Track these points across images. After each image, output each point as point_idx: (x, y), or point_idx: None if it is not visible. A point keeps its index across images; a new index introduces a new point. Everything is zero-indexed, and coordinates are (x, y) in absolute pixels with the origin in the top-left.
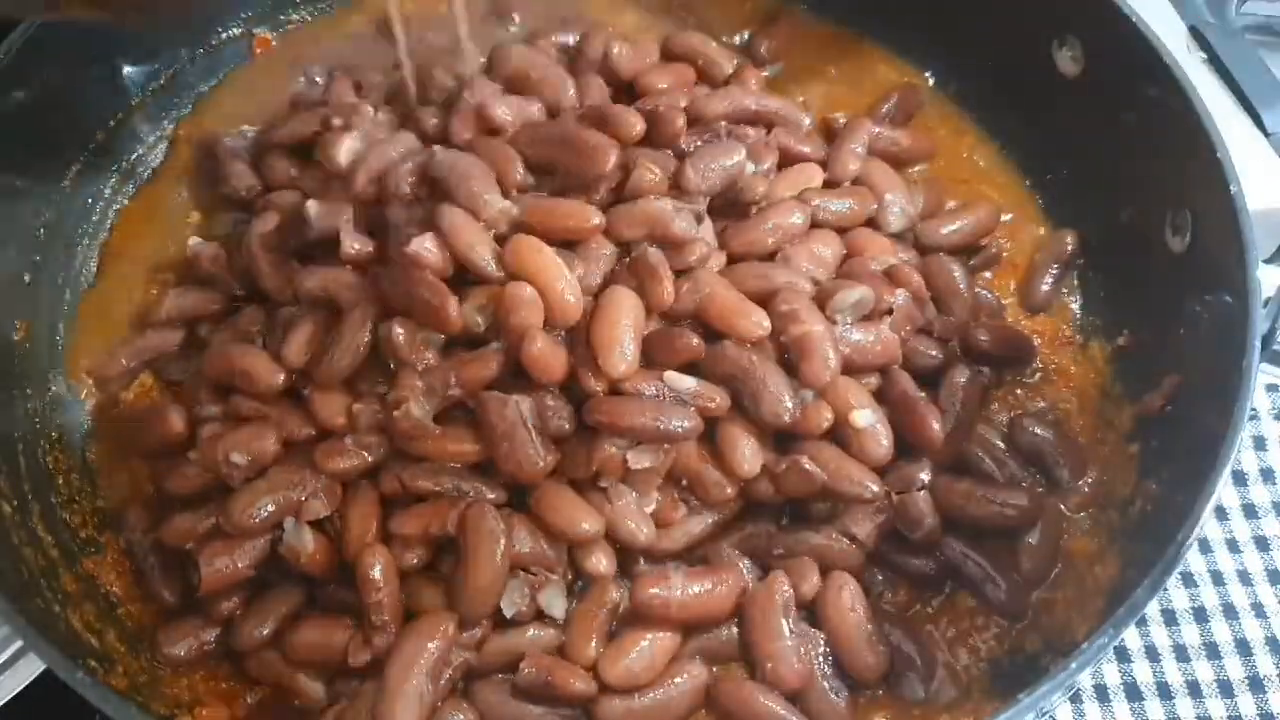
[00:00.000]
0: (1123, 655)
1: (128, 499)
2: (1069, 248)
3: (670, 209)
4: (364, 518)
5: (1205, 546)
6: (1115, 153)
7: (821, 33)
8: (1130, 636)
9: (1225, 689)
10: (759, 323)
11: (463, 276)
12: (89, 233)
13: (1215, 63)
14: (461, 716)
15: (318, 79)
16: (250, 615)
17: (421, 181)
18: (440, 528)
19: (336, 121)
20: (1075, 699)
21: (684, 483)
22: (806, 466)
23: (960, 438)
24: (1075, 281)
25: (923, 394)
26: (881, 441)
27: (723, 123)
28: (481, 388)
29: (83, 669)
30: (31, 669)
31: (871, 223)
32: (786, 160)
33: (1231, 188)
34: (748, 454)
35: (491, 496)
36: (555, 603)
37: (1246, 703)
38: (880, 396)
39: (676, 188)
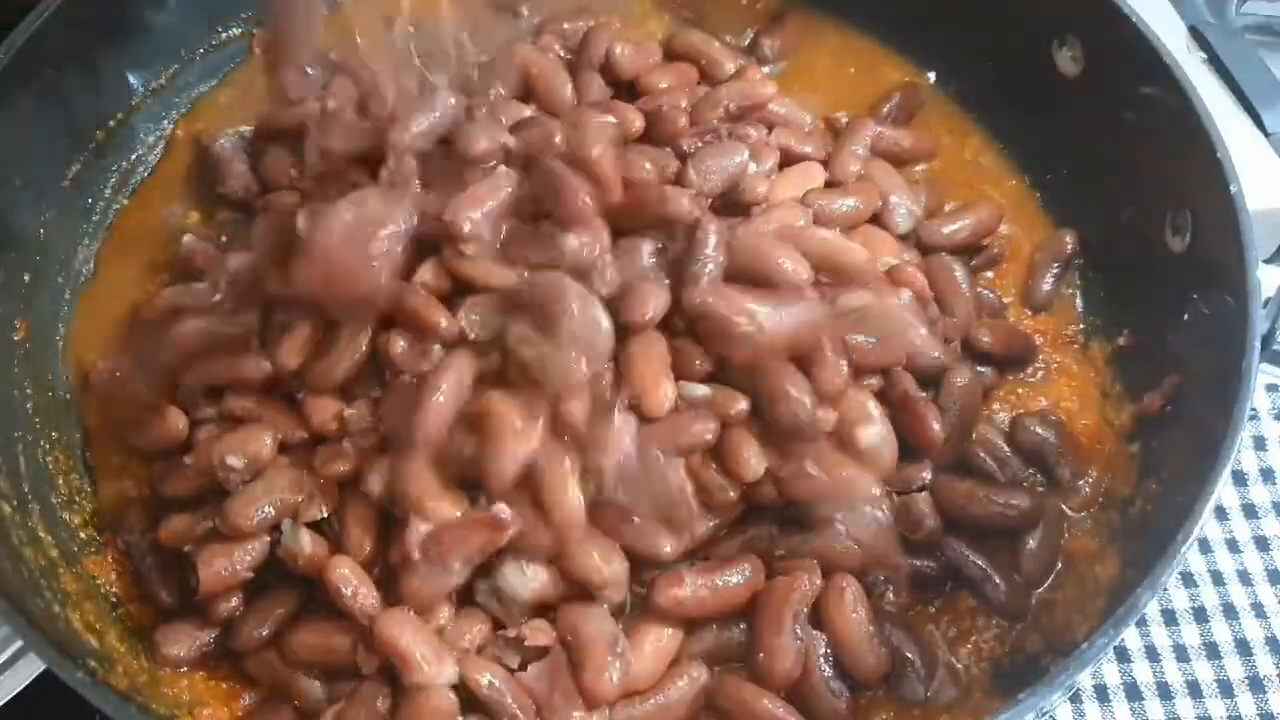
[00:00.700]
0: (1123, 655)
1: (126, 500)
2: (1069, 247)
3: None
4: (362, 519)
5: (1205, 546)
6: (1115, 153)
7: (823, 32)
8: (1130, 636)
9: (1225, 689)
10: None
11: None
12: (89, 233)
13: (1215, 63)
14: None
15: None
16: (249, 616)
17: None
18: None
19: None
20: (1075, 699)
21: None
22: (810, 471)
23: (961, 438)
24: (1077, 281)
25: (924, 395)
26: (884, 456)
27: (724, 123)
28: None
29: (83, 669)
30: (31, 669)
31: (876, 221)
32: (788, 160)
33: (1231, 188)
34: (752, 457)
35: None
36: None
37: (1246, 703)
38: (882, 397)
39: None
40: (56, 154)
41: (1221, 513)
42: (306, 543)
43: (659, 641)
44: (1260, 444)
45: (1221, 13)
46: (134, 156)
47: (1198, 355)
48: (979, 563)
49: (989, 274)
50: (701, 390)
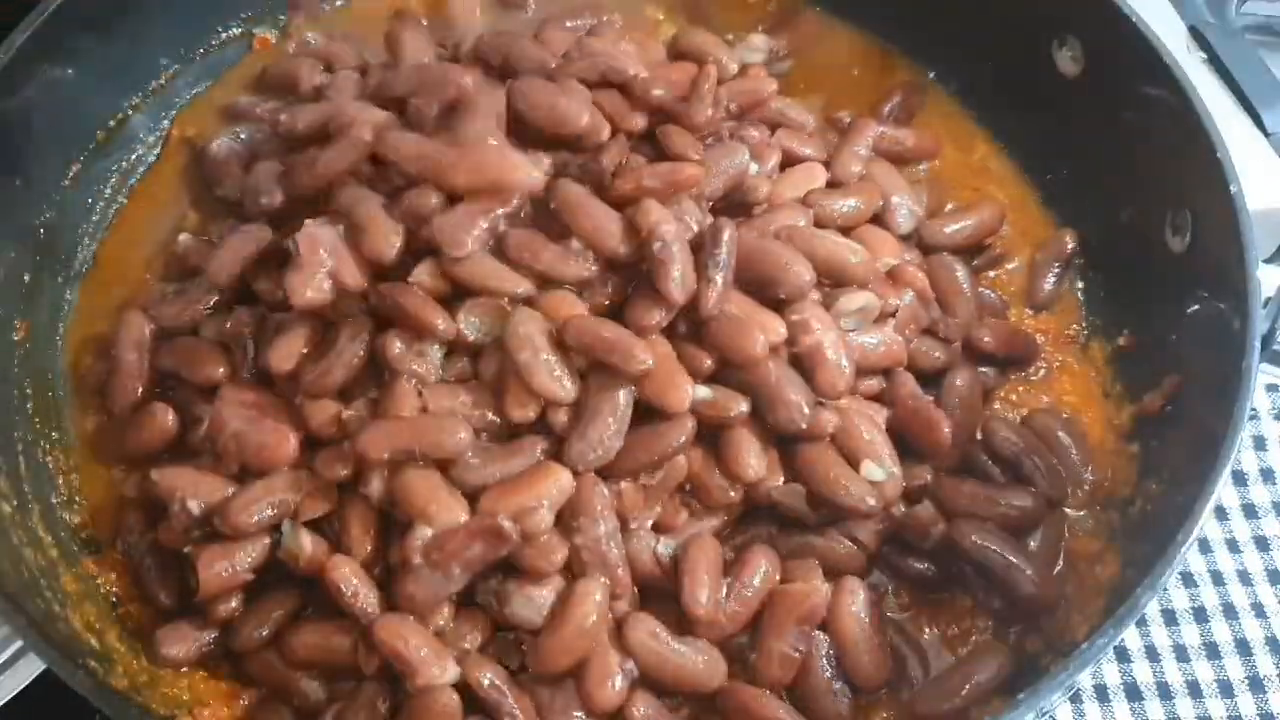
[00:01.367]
0: (1123, 655)
1: (124, 501)
2: (1069, 247)
3: None
4: (363, 519)
5: (1205, 546)
6: (1115, 153)
7: (826, 31)
8: (1130, 636)
9: (1225, 689)
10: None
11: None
12: (89, 233)
13: (1215, 63)
14: (490, 674)
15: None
16: (249, 617)
17: None
18: None
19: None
20: (1075, 699)
21: (687, 487)
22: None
23: (963, 439)
24: (1078, 281)
25: (928, 396)
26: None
27: (726, 124)
28: None
29: (83, 669)
30: (31, 669)
31: (877, 221)
32: (790, 161)
33: (1231, 188)
34: (752, 458)
35: None
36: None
37: (1246, 703)
38: (885, 398)
39: None
40: (56, 153)
41: (1221, 513)
42: (307, 544)
43: None
44: (1260, 444)
45: (1221, 13)
46: (134, 156)
47: (1198, 355)
48: (1002, 553)
49: (991, 274)
50: (704, 391)
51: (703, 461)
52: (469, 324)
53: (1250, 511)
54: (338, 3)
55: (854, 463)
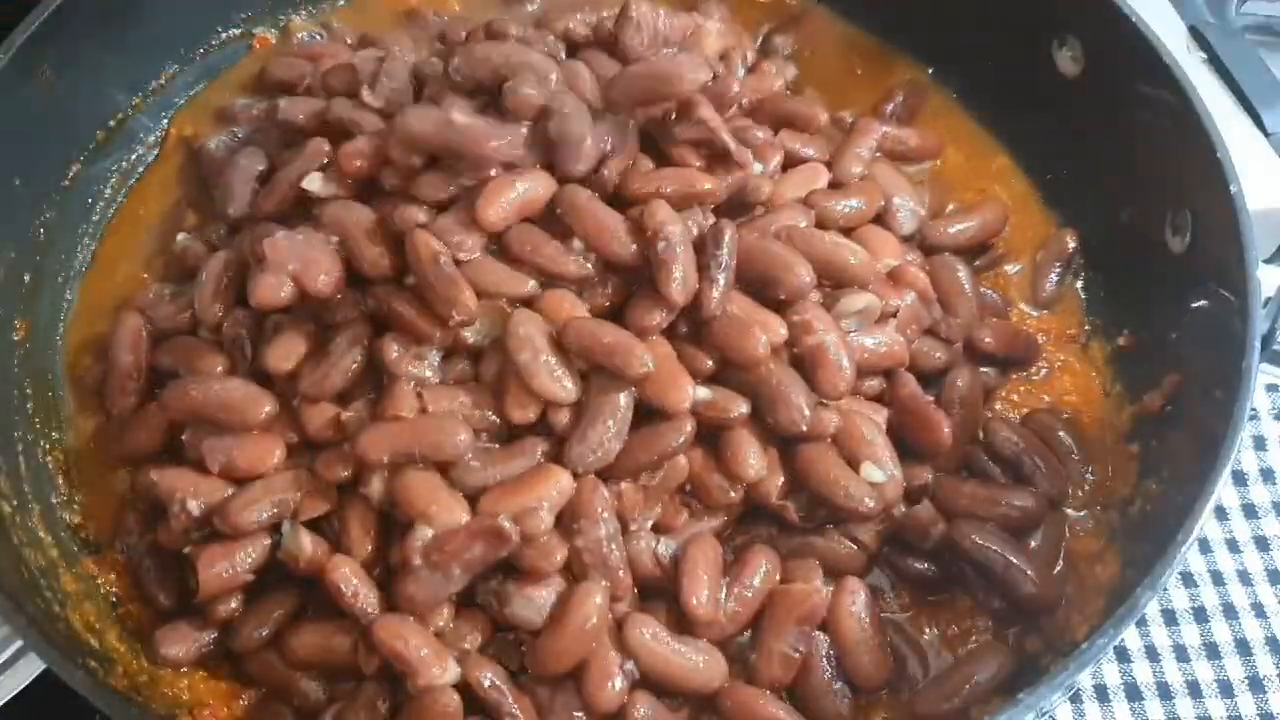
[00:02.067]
0: (1123, 655)
1: (124, 501)
2: (1070, 247)
3: None
4: (363, 520)
5: (1205, 546)
6: (1115, 153)
7: (832, 31)
8: (1130, 636)
9: (1225, 689)
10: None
11: None
12: (89, 233)
13: (1215, 63)
14: (490, 674)
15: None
16: (248, 618)
17: None
18: None
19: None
20: (1075, 699)
21: (687, 487)
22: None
23: (963, 439)
24: (1079, 281)
25: (929, 396)
26: (889, 493)
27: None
28: None
29: (83, 669)
30: (31, 669)
31: (879, 221)
32: (792, 161)
33: (1231, 188)
34: (752, 458)
35: None
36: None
37: (1246, 703)
38: (885, 398)
39: None
40: (56, 154)
41: (1221, 513)
42: (307, 544)
43: None
44: (1260, 444)
45: (1221, 13)
46: (133, 156)
47: (1198, 355)
48: (1002, 553)
49: (992, 273)
50: (704, 392)
51: (703, 462)
52: (469, 326)
53: (1250, 511)
54: (339, 2)
55: (854, 464)
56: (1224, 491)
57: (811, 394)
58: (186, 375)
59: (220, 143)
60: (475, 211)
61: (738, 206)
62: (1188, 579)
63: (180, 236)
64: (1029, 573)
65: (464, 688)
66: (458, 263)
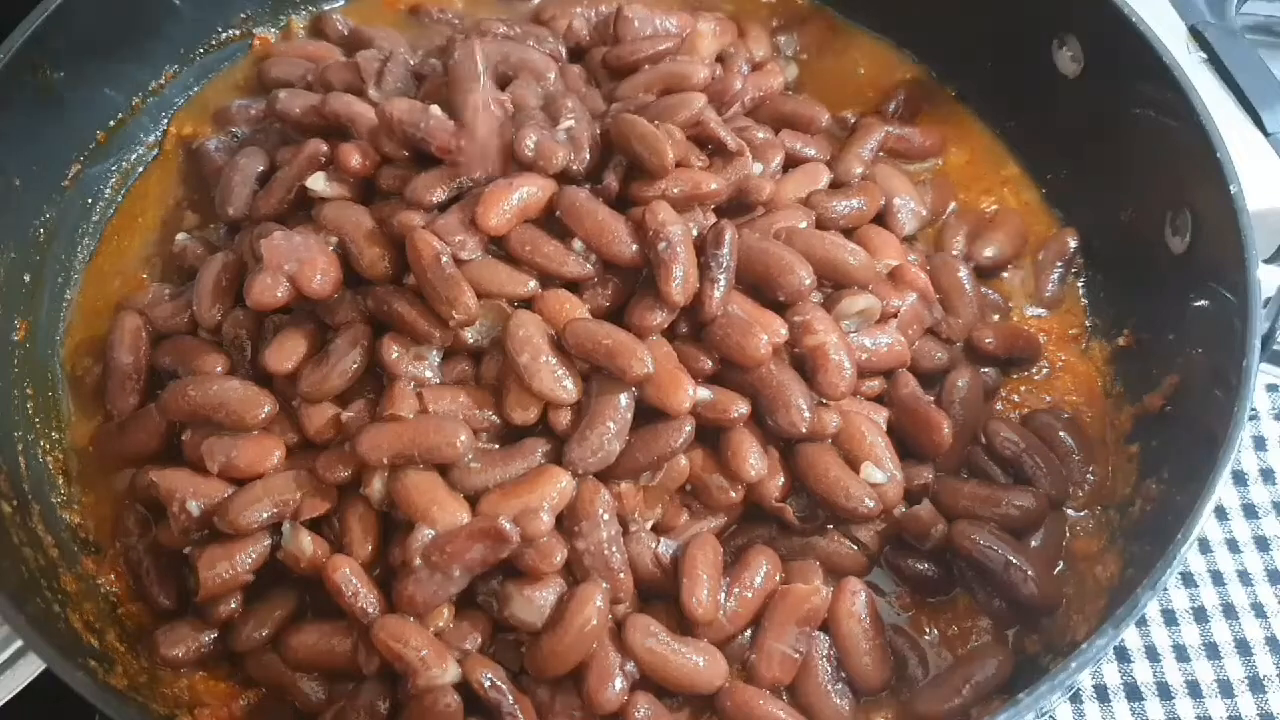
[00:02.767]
0: (1123, 655)
1: (124, 502)
2: (1071, 247)
3: None
4: (363, 520)
5: (1205, 546)
6: (1115, 153)
7: (831, 30)
8: (1130, 636)
9: (1225, 689)
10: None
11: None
12: (89, 233)
13: (1215, 63)
14: (491, 675)
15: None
16: (248, 618)
17: None
18: None
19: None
20: (1075, 699)
21: (688, 487)
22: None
23: (964, 440)
24: (1080, 281)
25: (929, 397)
26: (890, 495)
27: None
28: None
29: (83, 669)
30: (31, 669)
31: (880, 221)
32: (793, 161)
33: (1231, 188)
34: (753, 458)
35: None
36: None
37: (1246, 703)
38: (886, 398)
39: None
40: (56, 154)
41: (1221, 513)
42: (307, 544)
43: None
44: (1260, 444)
45: (1221, 13)
46: (134, 156)
47: (1198, 355)
48: (1003, 554)
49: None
50: (704, 393)
51: (704, 462)
52: (469, 327)
53: (1250, 511)
54: (340, 2)
55: (855, 465)
56: (1224, 491)
57: (812, 395)
58: (186, 375)
59: (220, 143)
60: (476, 215)
61: (738, 207)
62: (1188, 579)
63: (180, 236)
64: (1029, 573)
65: (464, 688)
66: (458, 263)
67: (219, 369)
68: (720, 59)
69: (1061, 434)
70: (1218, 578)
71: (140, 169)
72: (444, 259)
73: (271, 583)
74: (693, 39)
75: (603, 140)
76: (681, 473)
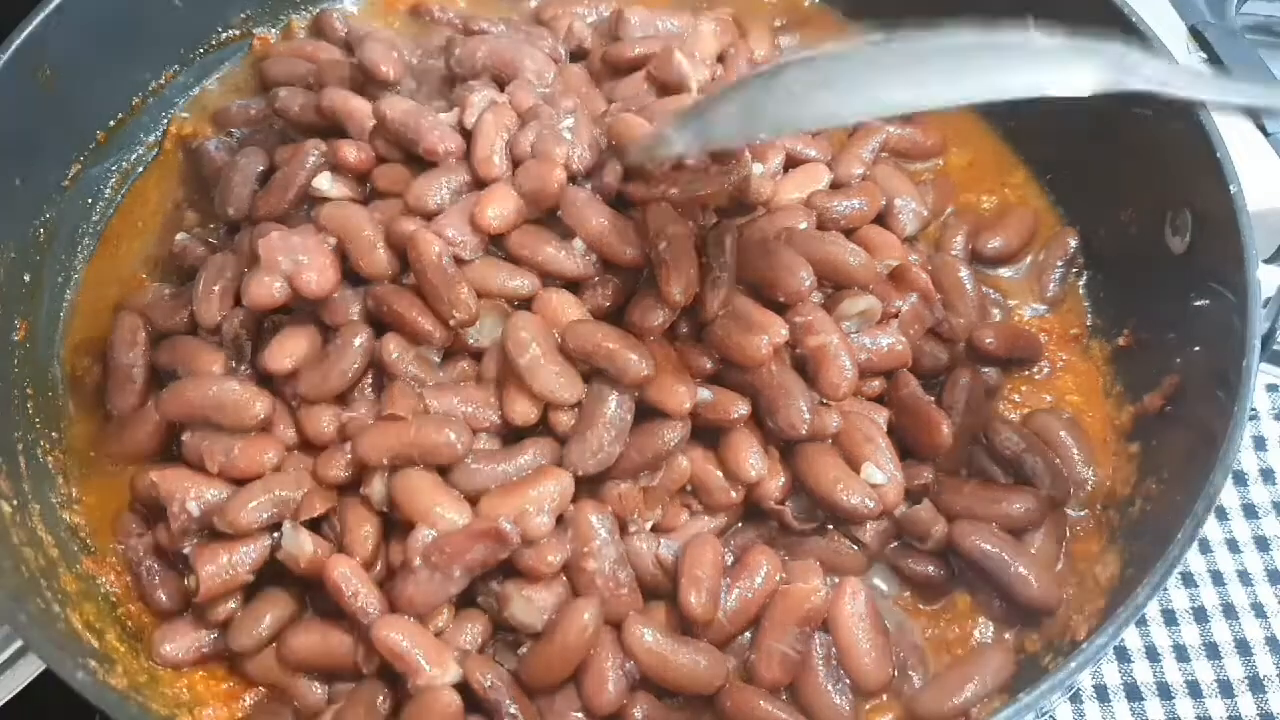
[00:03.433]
0: (1123, 655)
1: (124, 502)
2: (1072, 246)
3: None
4: (363, 519)
5: (1205, 546)
6: (1115, 153)
7: (832, 30)
8: (1130, 636)
9: (1225, 689)
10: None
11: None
12: (89, 232)
13: (1215, 63)
14: (491, 675)
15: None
16: (248, 618)
17: None
18: None
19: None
20: (1075, 699)
21: (688, 488)
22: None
23: (964, 440)
24: (1081, 281)
25: (930, 397)
26: (890, 496)
27: None
28: None
29: (83, 669)
30: (31, 669)
31: (881, 221)
32: (794, 162)
33: (1231, 188)
34: (753, 458)
35: None
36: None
37: (1246, 703)
38: (886, 398)
39: None
40: (56, 154)
41: (1221, 513)
42: (307, 545)
43: None
44: (1260, 444)
45: (1221, 13)
46: (134, 156)
47: (1198, 355)
48: (1003, 554)
49: (993, 273)
50: (704, 393)
51: (704, 462)
52: (470, 327)
53: (1250, 511)
54: (340, 2)
55: (855, 465)
56: (1224, 491)
57: (812, 397)
58: (185, 375)
59: (220, 143)
60: (476, 215)
61: (739, 207)
62: (1188, 579)
63: (180, 236)
64: (1029, 574)
65: (464, 688)
66: (459, 263)
67: (218, 369)
68: (721, 59)
69: (1062, 434)
70: (1218, 578)
71: (140, 169)
72: (444, 259)
73: (271, 583)
74: (693, 39)
75: (603, 140)
76: (683, 473)
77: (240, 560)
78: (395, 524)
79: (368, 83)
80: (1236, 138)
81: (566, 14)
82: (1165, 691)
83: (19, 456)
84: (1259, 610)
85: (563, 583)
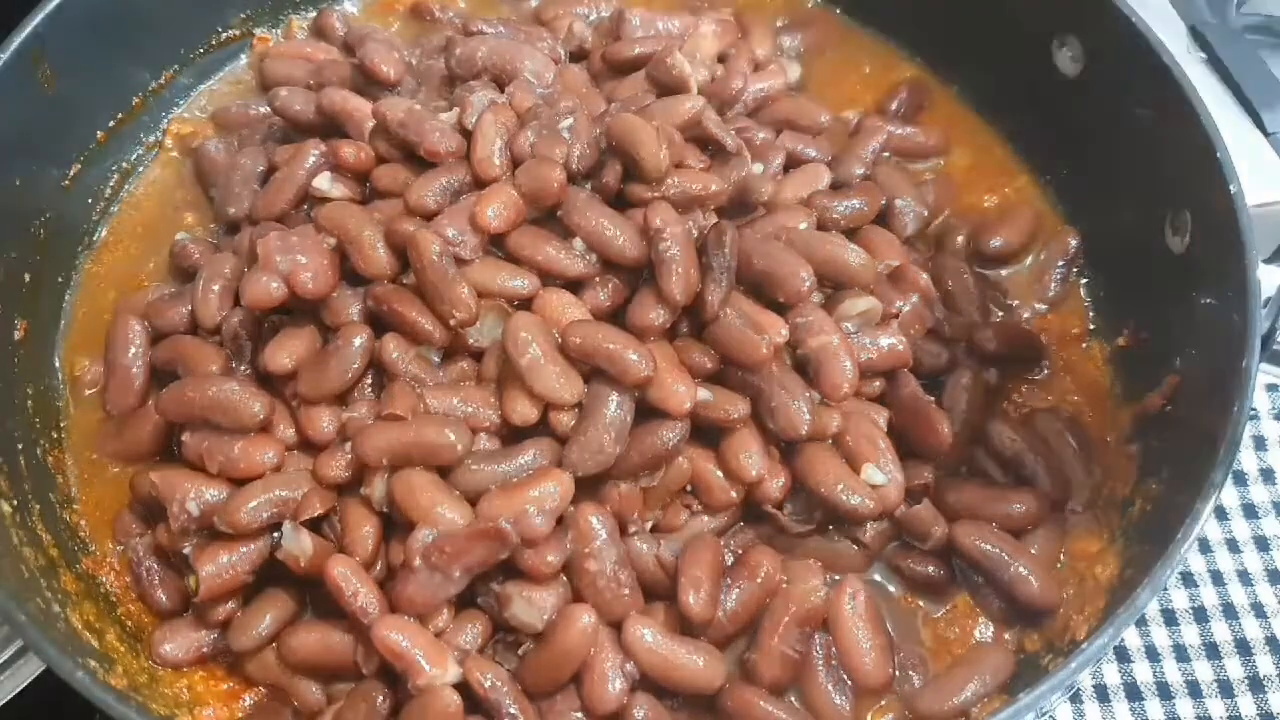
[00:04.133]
0: (1123, 655)
1: (124, 502)
2: (1073, 246)
3: None
4: (364, 519)
5: (1205, 546)
6: (1115, 153)
7: (834, 31)
8: (1130, 636)
9: (1225, 689)
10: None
11: None
12: (89, 232)
13: (1215, 63)
14: (491, 675)
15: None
16: (248, 618)
17: None
18: None
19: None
20: (1075, 699)
21: (688, 487)
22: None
23: (965, 440)
24: (1082, 280)
25: (930, 397)
26: (890, 496)
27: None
28: None
29: (82, 669)
30: (31, 669)
31: (881, 221)
32: (794, 162)
33: (1231, 188)
34: (754, 458)
35: None
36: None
37: (1246, 703)
38: (887, 398)
39: None
40: (57, 154)
41: (1221, 513)
42: (308, 545)
43: None
44: (1260, 444)
45: (1221, 13)
46: (134, 156)
47: (1198, 355)
48: (1003, 554)
49: (994, 273)
50: (705, 393)
51: (704, 462)
52: (470, 327)
53: (1250, 511)
54: (349, 8)
55: (855, 465)
56: (1224, 491)
57: (813, 397)
58: (185, 375)
59: (220, 143)
60: (476, 215)
61: (739, 207)
62: (1188, 579)
63: (180, 236)
64: (1029, 574)
65: (464, 688)
66: (459, 263)
67: (218, 369)
68: (721, 59)
69: (1062, 434)
70: (1218, 578)
71: (140, 169)
72: (444, 259)
73: (271, 583)
74: (694, 40)
75: (603, 140)
76: (683, 473)
77: (240, 560)
78: (395, 524)
79: (368, 83)
80: (1236, 138)
81: (566, 14)
82: (1165, 691)
83: (19, 456)
84: (1259, 610)
85: (563, 583)
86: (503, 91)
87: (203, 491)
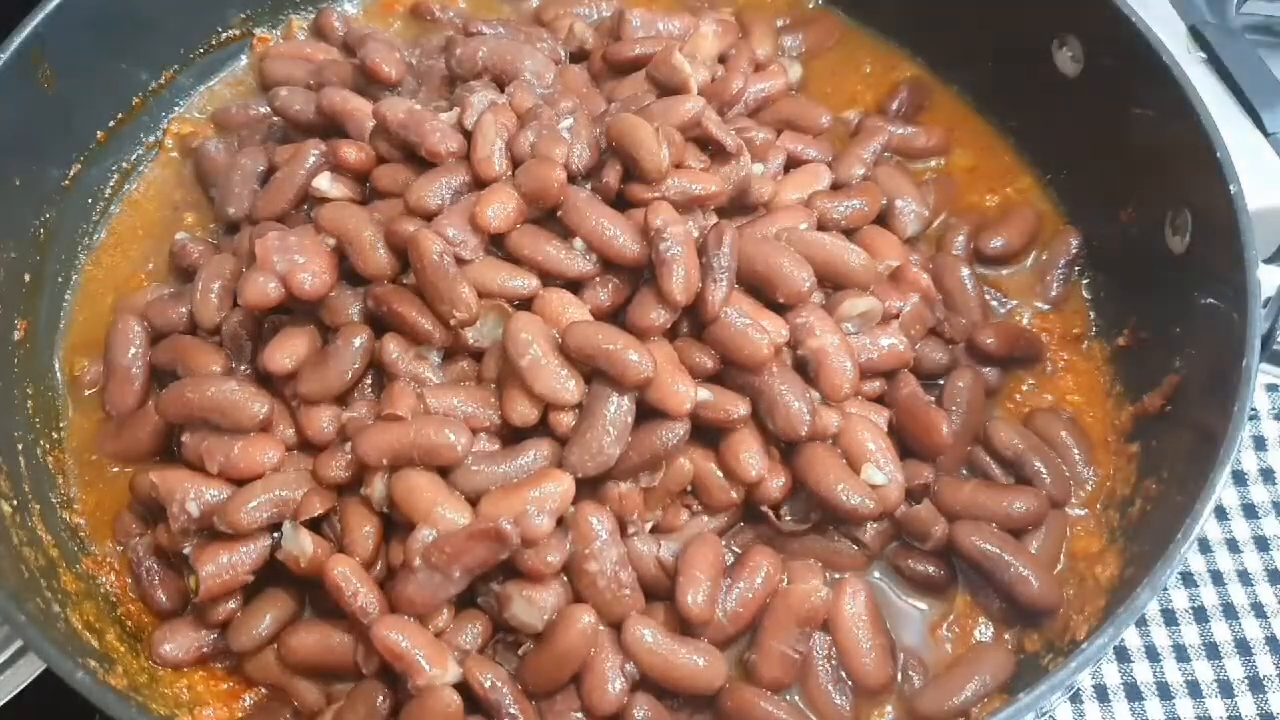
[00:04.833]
0: (1123, 655)
1: (124, 502)
2: (1073, 246)
3: None
4: (364, 519)
5: (1205, 546)
6: (1115, 153)
7: (835, 31)
8: (1130, 636)
9: (1225, 689)
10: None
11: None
12: (89, 232)
13: (1215, 63)
14: (491, 675)
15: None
16: (248, 618)
17: None
18: None
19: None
20: (1075, 699)
21: (688, 488)
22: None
23: (965, 440)
24: (1083, 280)
25: (930, 397)
26: (890, 496)
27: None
28: None
29: (82, 669)
30: (31, 669)
31: (882, 221)
32: (794, 162)
33: (1231, 188)
34: (754, 458)
35: None
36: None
37: (1246, 703)
38: (887, 399)
39: None
40: (56, 154)
41: (1221, 513)
42: (308, 545)
43: None
44: (1260, 444)
45: (1221, 13)
46: (134, 156)
47: (1198, 355)
48: (1003, 554)
49: (995, 273)
50: (704, 393)
51: (704, 462)
52: (470, 327)
53: (1250, 511)
54: (349, 9)
55: (855, 466)
56: (1224, 491)
57: (813, 396)
58: (185, 375)
59: (220, 143)
60: (476, 215)
61: (740, 208)
62: (1188, 579)
63: (179, 236)
64: (1030, 574)
65: (464, 688)
66: (459, 263)
67: (218, 369)
68: (722, 60)
69: (1062, 434)
70: (1218, 578)
71: (140, 169)
72: (445, 259)
73: (271, 583)
74: (695, 40)
75: (603, 140)
76: (685, 475)
77: (240, 560)
78: (395, 524)
79: (368, 83)
80: (1236, 138)
81: (567, 14)
82: (1165, 691)
83: (19, 456)
84: (1259, 610)
85: (563, 583)
86: (503, 92)
87: (203, 492)
